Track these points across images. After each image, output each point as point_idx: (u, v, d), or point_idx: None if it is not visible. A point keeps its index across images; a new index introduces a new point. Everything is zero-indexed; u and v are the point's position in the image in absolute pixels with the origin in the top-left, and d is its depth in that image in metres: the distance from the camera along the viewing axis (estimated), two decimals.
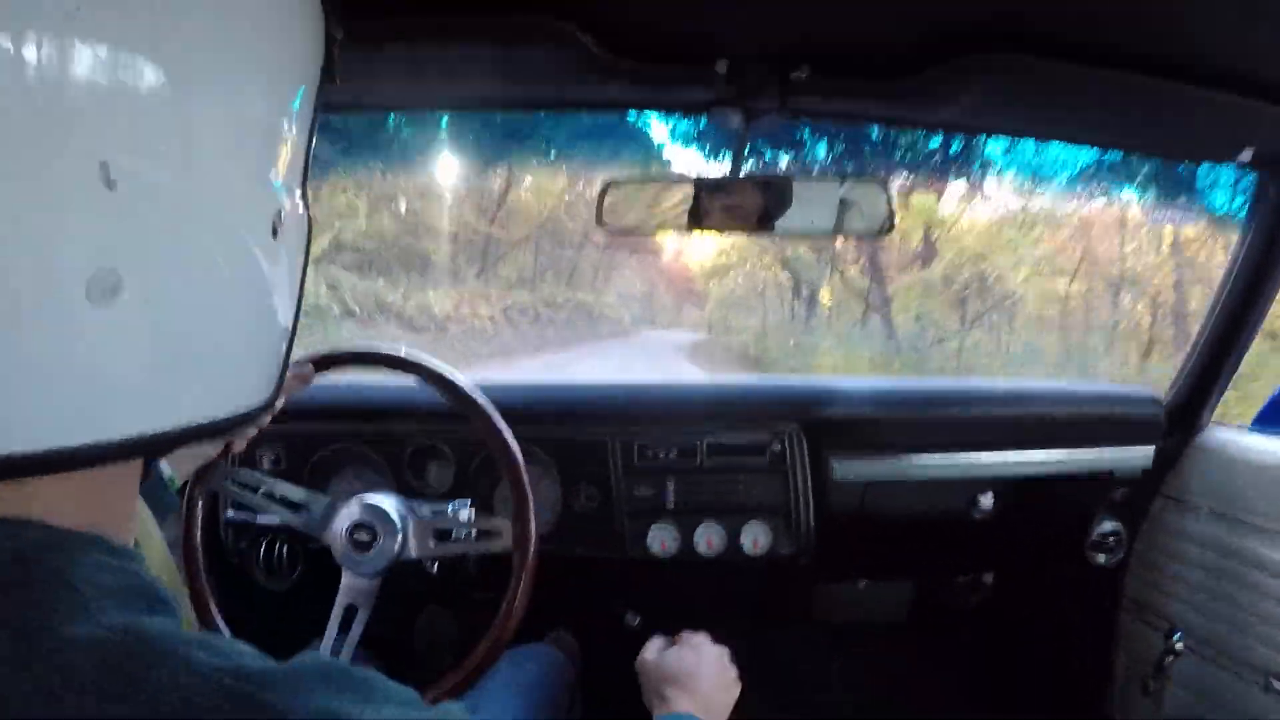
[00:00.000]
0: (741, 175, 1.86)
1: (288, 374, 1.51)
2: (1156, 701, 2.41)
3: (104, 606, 0.61)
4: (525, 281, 24.79)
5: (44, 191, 0.55)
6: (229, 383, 0.74)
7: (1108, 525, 2.47)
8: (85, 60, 0.56)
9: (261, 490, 1.71)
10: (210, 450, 1.63)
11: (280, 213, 0.74)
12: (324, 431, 2.20)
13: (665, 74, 1.67)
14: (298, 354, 1.56)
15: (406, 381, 1.70)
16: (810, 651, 2.90)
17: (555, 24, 1.45)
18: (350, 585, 1.65)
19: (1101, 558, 2.50)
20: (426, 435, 2.20)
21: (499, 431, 1.65)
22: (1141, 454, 2.39)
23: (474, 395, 1.66)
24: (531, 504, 1.61)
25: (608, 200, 1.86)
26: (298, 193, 0.79)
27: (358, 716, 0.62)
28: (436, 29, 1.50)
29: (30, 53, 0.53)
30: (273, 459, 2.16)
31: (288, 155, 0.76)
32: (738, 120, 1.78)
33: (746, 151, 1.85)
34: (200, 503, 1.72)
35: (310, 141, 0.82)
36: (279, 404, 0.86)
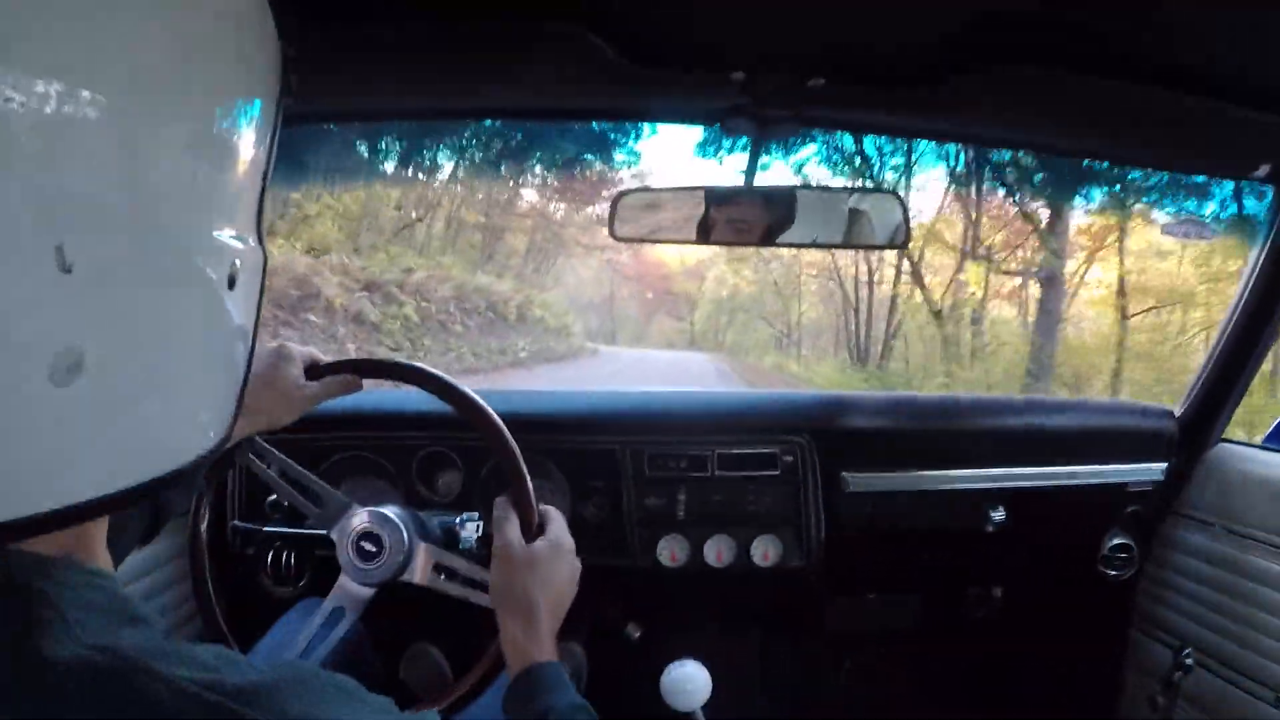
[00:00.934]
0: (750, 187, 1.85)
1: (336, 381, 1.51)
2: (1166, 717, 2.40)
3: (85, 626, 0.63)
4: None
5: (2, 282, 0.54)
6: (189, 432, 0.73)
7: (1119, 540, 2.47)
8: (33, 142, 0.54)
9: (276, 467, 1.71)
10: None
11: (236, 262, 0.73)
12: (333, 439, 2.20)
13: (680, 81, 1.65)
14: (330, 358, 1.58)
15: (414, 390, 1.69)
16: (819, 663, 2.88)
17: (567, 28, 1.43)
18: (345, 588, 1.63)
19: (1112, 573, 2.49)
20: (435, 443, 2.19)
21: (507, 444, 1.64)
22: (1153, 469, 2.39)
23: (481, 406, 1.65)
24: (536, 515, 1.60)
25: (620, 211, 1.85)
26: (252, 237, 0.79)
27: None
28: (441, 34, 1.49)
29: None
30: (278, 470, 2.16)
31: (243, 204, 0.76)
32: (753, 129, 1.77)
33: (761, 162, 1.85)
34: (207, 509, 1.72)
35: (265, 179, 0.80)
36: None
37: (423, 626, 2.37)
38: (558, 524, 1.53)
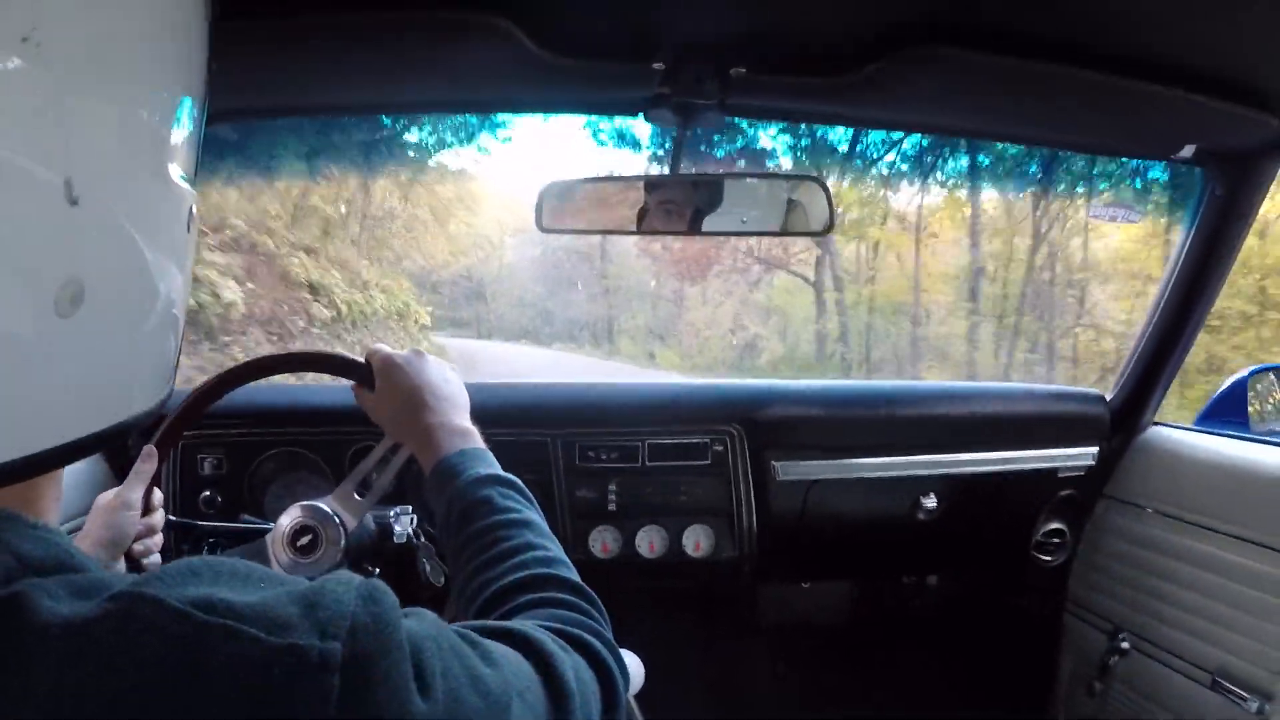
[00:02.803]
0: (677, 176, 1.84)
1: (136, 470, 1.47)
2: (1102, 701, 2.41)
3: (10, 574, 0.62)
4: None
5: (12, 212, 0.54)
6: (159, 376, 0.74)
7: (1052, 525, 2.49)
8: (46, 81, 0.55)
9: (200, 533, 1.69)
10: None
11: (192, 208, 0.74)
12: (265, 436, 2.16)
13: (602, 73, 1.64)
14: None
15: (344, 384, 1.67)
16: (754, 652, 2.88)
17: (487, 19, 1.41)
18: None
19: (1045, 558, 2.51)
20: (367, 438, 2.16)
21: (285, 356, 1.62)
22: (1085, 454, 2.40)
23: (346, 356, 1.62)
24: (361, 362, 1.57)
25: (545, 202, 1.84)
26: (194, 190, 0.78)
27: (232, 599, 0.62)
28: (362, 27, 1.45)
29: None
30: (214, 464, 2.13)
31: (189, 147, 0.75)
32: (676, 119, 1.76)
33: (685, 151, 1.83)
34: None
35: (201, 135, 0.80)
36: None
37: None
38: (380, 352, 1.50)
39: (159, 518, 1.53)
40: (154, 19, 0.67)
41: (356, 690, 0.61)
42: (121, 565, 1.50)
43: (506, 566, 1.05)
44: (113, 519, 1.42)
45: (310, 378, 1.80)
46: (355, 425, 2.15)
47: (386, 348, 1.50)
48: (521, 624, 0.88)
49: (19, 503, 0.68)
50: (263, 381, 1.66)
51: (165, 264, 0.69)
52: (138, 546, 1.47)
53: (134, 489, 1.44)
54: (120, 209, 0.62)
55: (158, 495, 1.53)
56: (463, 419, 1.40)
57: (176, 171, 0.71)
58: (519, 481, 1.23)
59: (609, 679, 0.90)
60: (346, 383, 1.61)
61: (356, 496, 1.62)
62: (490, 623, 0.88)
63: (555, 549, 1.11)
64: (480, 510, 1.15)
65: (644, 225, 1.89)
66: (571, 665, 0.85)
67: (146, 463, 1.46)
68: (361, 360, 1.52)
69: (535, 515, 1.18)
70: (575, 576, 1.04)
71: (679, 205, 1.84)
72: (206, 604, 0.61)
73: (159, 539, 1.54)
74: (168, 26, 0.69)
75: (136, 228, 0.64)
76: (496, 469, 1.26)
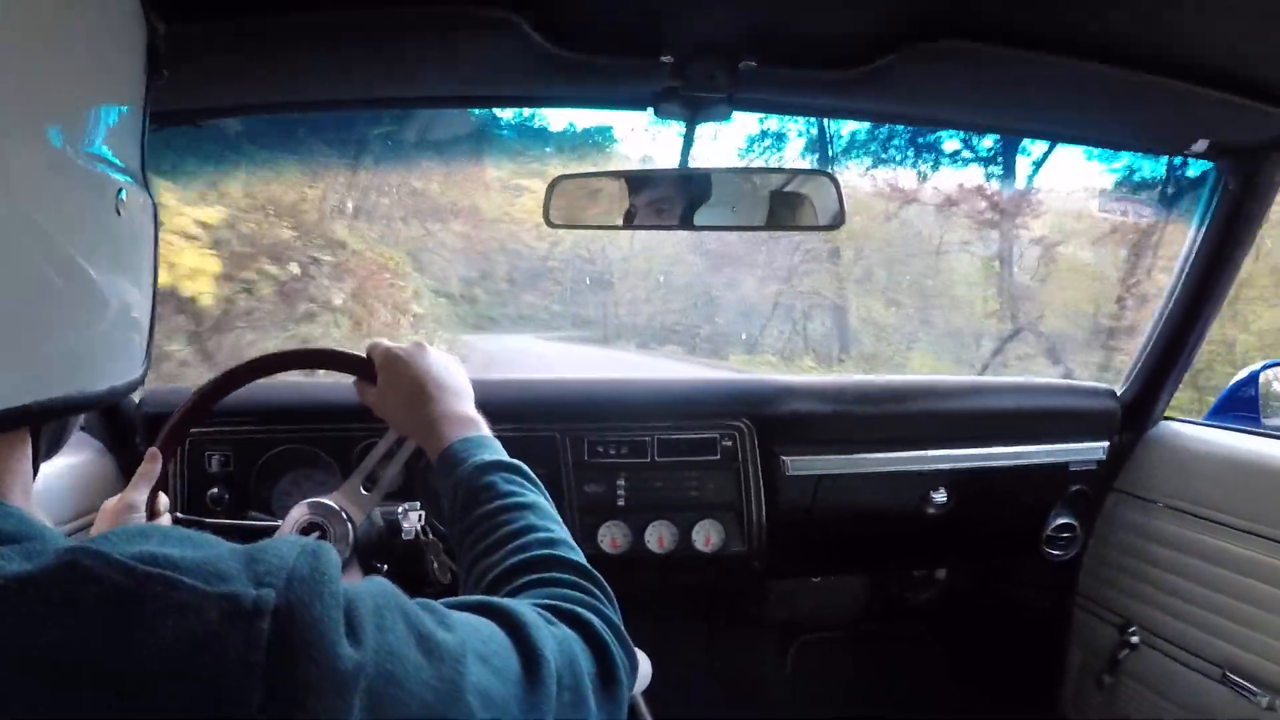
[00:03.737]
0: (686, 170, 1.84)
1: (141, 472, 1.47)
2: (1111, 696, 2.41)
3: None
4: None
5: None
6: (87, 359, 0.73)
7: (1062, 520, 2.47)
8: None
9: (207, 530, 1.68)
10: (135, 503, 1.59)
11: (122, 192, 0.74)
12: (272, 433, 2.16)
13: (611, 66, 1.63)
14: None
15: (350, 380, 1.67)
16: (763, 648, 2.88)
17: (496, 14, 1.40)
18: None
19: (1056, 552, 2.50)
20: (375, 434, 2.16)
21: (297, 353, 1.62)
22: (1096, 448, 2.39)
23: (346, 352, 1.62)
24: (363, 358, 1.57)
25: (554, 196, 1.83)
26: (138, 178, 0.79)
27: (174, 554, 0.63)
28: (371, 21, 1.44)
29: None
30: (221, 461, 2.12)
31: (123, 134, 0.77)
32: (685, 113, 1.75)
33: (693, 145, 1.83)
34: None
35: (144, 127, 0.81)
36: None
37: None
38: (380, 346, 1.50)
39: (165, 521, 1.52)
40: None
41: (286, 634, 0.61)
42: None
43: (509, 549, 1.05)
44: (118, 522, 1.41)
45: (320, 374, 1.79)
46: (362, 421, 2.14)
47: (387, 341, 1.50)
48: (501, 599, 0.87)
49: None
50: (270, 378, 1.66)
51: (77, 236, 0.69)
52: None
53: (139, 491, 1.44)
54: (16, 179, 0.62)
55: (163, 499, 1.53)
56: (467, 407, 1.40)
57: (88, 157, 0.71)
58: (524, 466, 1.24)
59: (604, 654, 0.90)
60: (350, 379, 1.61)
61: (363, 491, 1.62)
62: (466, 598, 0.88)
63: (559, 530, 1.11)
64: (484, 495, 1.15)
65: (652, 221, 1.89)
66: (554, 635, 0.85)
67: (151, 464, 1.47)
68: (363, 355, 1.52)
69: (540, 498, 1.18)
70: (579, 557, 1.04)
71: (669, 201, 1.83)
72: (149, 558, 0.62)
73: None
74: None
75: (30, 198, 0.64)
76: (502, 454, 1.26)
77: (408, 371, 1.43)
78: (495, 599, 0.87)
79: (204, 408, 1.56)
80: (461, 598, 0.88)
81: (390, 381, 1.44)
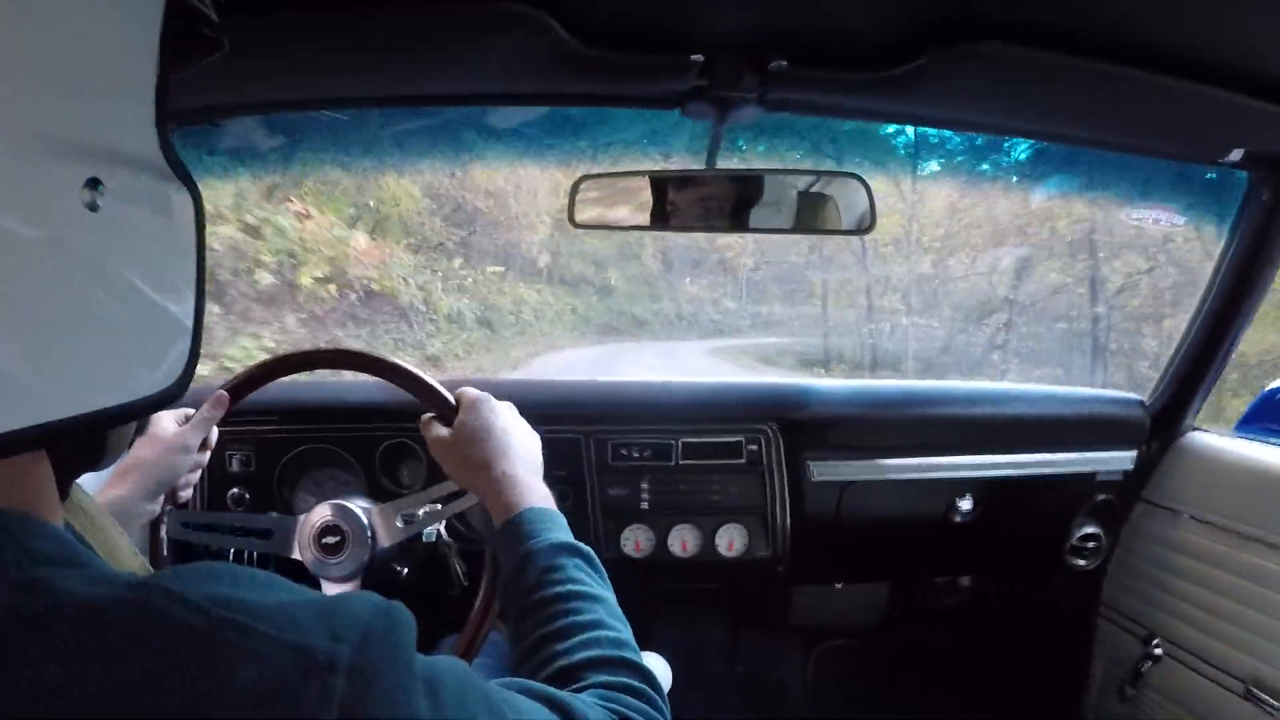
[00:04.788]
0: (713, 170, 1.82)
1: (205, 408, 1.47)
2: (1133, 708, 2.39)
3: (20, 563, 0.62)
4: None
5: None
6: (101, 371, 0.69)
7: (1087, 529, 2.46)
8: None
9: (223, 527, 1.68)
10: (151, 499, 1.59)
11: (97, 184, 0.66)
12: (293, 433, 2.16)
13: (639, 65, 1.61)
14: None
15: (375, 381, 1.66)
16: (785, 654, 2.88)
17: (523, 11, 1.38)
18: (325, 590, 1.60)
19: (1080, 562, 2.49)
20: (397, 434, 2.16)
21: (394, 364, 1.61)
22: (1123, 458, 2.37)
23: (437, 388, 1.61)
24: (449, 399, 1.56)
25: (579, 196, 1.82)
26: (147, 160, 0.72)
27: (248, 599, 0.63)
28: (395, 18, 1.43)
29: None
30: (242, 461, 2.12)
31: (101, 114, 0.68)
32: (713, 113, 1.74)
33: (720, 146, 1.81)
34: (170, 506, 1.68)
35: (162, 103, 0.73)
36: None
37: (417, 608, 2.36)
38: (470, 392, 1.51)
39: (205, 456, 1.57)
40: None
41: (359, 693, 0.61)
42: (157, 506, 1.51)
43: (578, 642, 1.04)
44: (168, 460, 1.47)
45: (345, 374, 1.79)
46: (384, 422, 2.15)
47: (475, 390, 1.51)
48: (570, 697, 0.88)
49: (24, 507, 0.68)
50: (296, 377, 1.65)
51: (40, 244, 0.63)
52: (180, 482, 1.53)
53: (196, 432, 1.50)
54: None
55: (214, 434, 1.58)
56: (539, 478, 1.40)
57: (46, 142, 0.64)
58: (592, 553, 1.22)
59: None
60: (378, 381, 1.60)
61: (397, 524, 1.62)
62: (533, 684, 0.89)
63: (625, 631, 1.10)
64: (556, 576, 1.14)
65: (674, 222, 1.88)
66: None
67: (215, 409, 1.51)
68: (449, 395, 1.51)
69: (608, 593, 1.17)
70: (641, 659, 1.03)
71: (716, 201, 1.82)
72: (223, 601, 0.61)
73: (198, 474, 1.61)
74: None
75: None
76: (570, 536, 1.24)
77: (490, 426, 1.43)
78: (564, 696, 0.87)
79: (280, 370, 1.60)
80: (528, 682, 0.89)
81: (468, 430, 1.44)
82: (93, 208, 0.66)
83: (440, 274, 9.47)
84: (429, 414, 1.50)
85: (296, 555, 1.63)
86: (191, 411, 1.55)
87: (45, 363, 0.64)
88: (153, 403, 0.73)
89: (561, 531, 1.24)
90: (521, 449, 1.42)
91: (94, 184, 0.66)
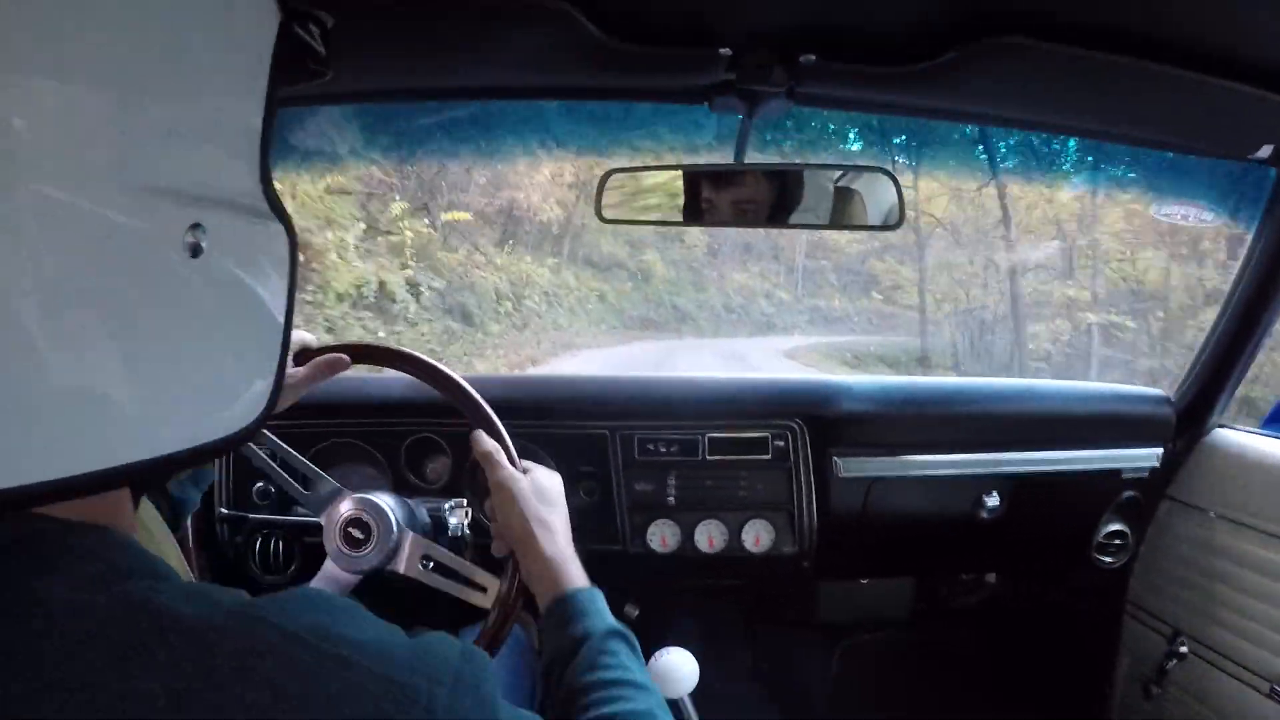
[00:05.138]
0: (745, 165, 1.82)
1: (324, 362, 1.48)
2: (1158, 705, 2.39)
3: (106, 577, 0.63)
4: None
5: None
6: (202, 408, 0.73)
7: (1113, 527, 2.45)
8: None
9: (267, 449, 1.69)
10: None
11: (199, 228, 0.67)
12: (322, 425, 2.18)
13: (667, 59, 1.62)
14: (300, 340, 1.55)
15: (401, 376, 1.67)
16: (810, 650, 2.88)
17: (552, 5, 1.40)
18: (329, 573, 1.59)
19: (1106, 559, 2.48)
20: (424, 429, 2.17)
21: (489, 420, 1.61)
22: (1149, 455, 2.36)
23: (469, 391, 1.62)
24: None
25: (607, 190, 1.83)
26: (248, 202, 0.74)
27: (346, 633, 0.65)
28: (421, 13, 1.45)
29: None
30: (269, 453, 2.14)
31: (205, 161, 0.69)
32: (742, 108, 1.74)
33: (749, 141, 1.82)
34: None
35: (265, 142, 0.75)
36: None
37: (408, 615, 2.36)
38: (536, 470, 1.52)
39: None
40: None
41: None
42: (198, 495, 1.54)
43: None
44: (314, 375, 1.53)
45: (378, 370, 1.81)
46: (410, 417, 2.15)
47: (542, 469, 1.52)
48: None
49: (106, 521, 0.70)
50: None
51: (143, 293, 0.64)
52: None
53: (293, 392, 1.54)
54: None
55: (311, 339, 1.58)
56: (573, 551, 1.41)
57: (161, 186, 0.65)
58: (633, 636, 1.24)
59: None
60: (403, 376, 1.62)
61: (420, 565, 1.62)
62: None
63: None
64: (609, 662, 1.16)
65: (706, 217, 1.88)
66: None
67: (329, 370, 1.55)
68: (519, 463, 1.52)
69: (650, 680, 1.19)
70: None
71: (752, 197, 1.82)
72: (324, 633, 0.64)
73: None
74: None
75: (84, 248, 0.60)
76: (613, 620, 1.27)
77: (556, 496, 1.48)
78: None
79: (372, 356, 1.65)
80: None
81: (536, 489, 1.46)
82: (195, 251, 0.67)
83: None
84: (481, 433, 1.52)
85: (322, 524, 1.62)
86: (308, 340, 1.58)
87: (157, 401, 0.67)
88: (239, 438, 0.77)
89: (607, 613, 1.27)
90: (565, 526, 1.44)
91: (196, 228, 0.67)
